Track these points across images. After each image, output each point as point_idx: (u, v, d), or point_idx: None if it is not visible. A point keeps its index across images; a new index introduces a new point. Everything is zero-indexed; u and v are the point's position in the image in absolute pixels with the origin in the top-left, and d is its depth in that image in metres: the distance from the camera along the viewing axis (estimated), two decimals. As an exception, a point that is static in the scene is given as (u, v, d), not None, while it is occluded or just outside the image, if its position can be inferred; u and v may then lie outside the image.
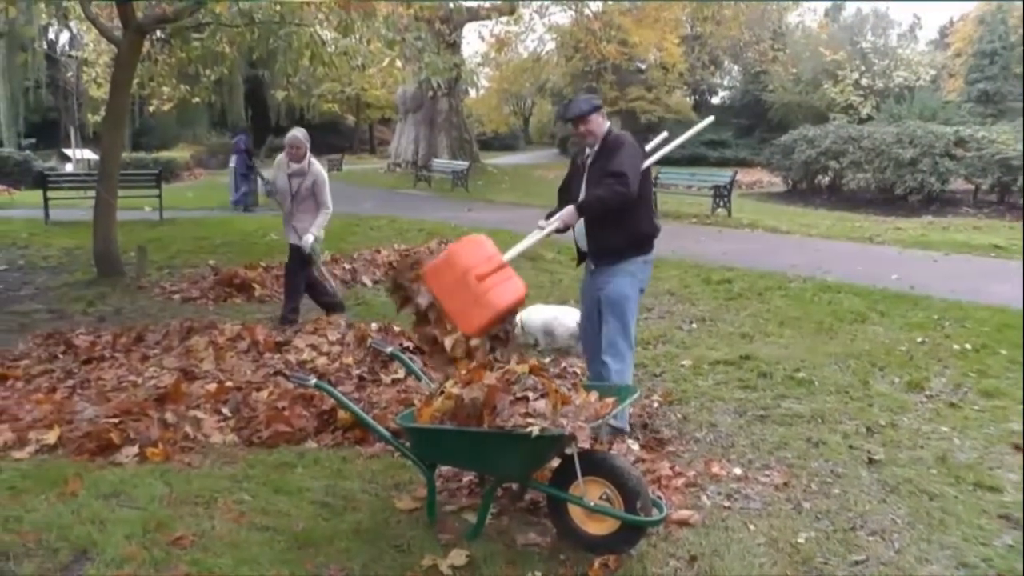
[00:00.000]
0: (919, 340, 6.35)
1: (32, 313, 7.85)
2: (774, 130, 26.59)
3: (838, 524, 3.48)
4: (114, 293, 8.68)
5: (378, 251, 10.95)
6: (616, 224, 4.34)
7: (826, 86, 34.85)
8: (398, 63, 9.67)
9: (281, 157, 6.87)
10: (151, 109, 25.75)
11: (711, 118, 5.12)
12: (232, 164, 17.67)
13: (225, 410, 4.85)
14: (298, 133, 6.80)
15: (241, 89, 32.25)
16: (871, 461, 4.13)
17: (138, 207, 15.82)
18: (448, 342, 3.74)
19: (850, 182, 17.91)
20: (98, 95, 21.33)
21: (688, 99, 41.29)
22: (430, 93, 28.47)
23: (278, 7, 8.01)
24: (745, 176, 26.11)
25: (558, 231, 4.34)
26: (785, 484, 3.89)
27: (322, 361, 5.80)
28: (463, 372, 3.31)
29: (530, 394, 3.01)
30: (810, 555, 3.22)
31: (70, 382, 5.45)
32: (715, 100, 49.50)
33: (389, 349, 4.10)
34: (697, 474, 3.99)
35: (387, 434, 3.50)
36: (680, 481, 3.88)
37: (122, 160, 27.04)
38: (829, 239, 12.32)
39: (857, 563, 3.17)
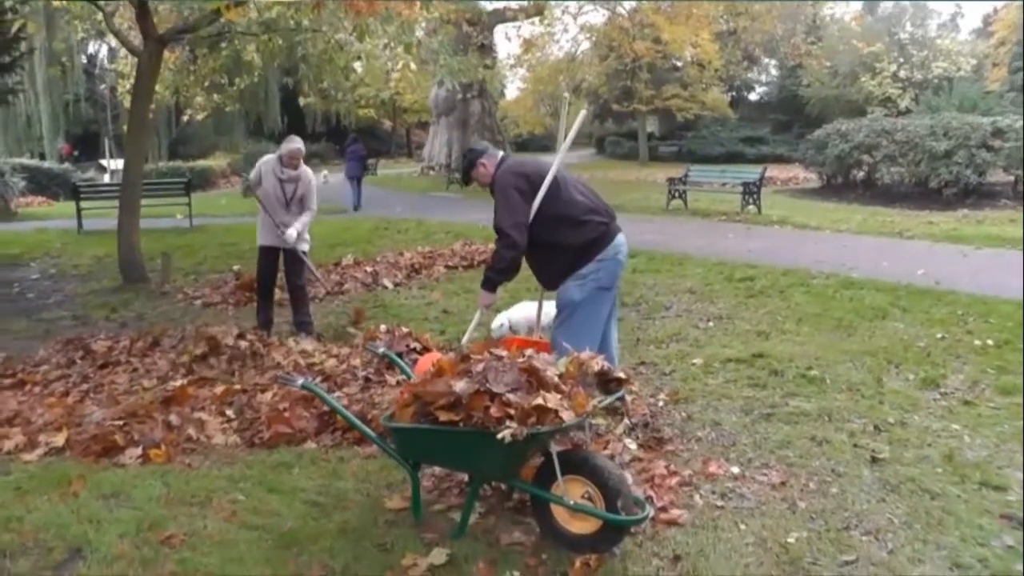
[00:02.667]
0: (939, 336, 6.19)
1: (58, 320, 8.03)
2: (811, 125, 26.12)
3: (832, 524, 3.40)
4: (138, 299, 8.84)
5: (401, 254, 11.02)
6: (543, 257, 4.46)
7: (863, 79, 34.24)
8: (412, 66, 9.72)
9: (270, 159, 6.87)
10: (185, 119, 26.27)
11: (582, 112, 5.09)
12: (349, 171, 19.08)
13: (229, 412, 4.91)
14: (299, 144, 6.87)
15: (276, 97, 32.72)
16: (874, 460, 4.03)
17: (170, 215, 16.13)
18: None
19: (884, 176, 17.53)
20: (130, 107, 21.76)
21: (725, 96, 40.79)
22: (459, 96, 28.64)
23: (292, 14, 8.09)
24: (781, 172, 25.79)
25: (490, 305, 4.73)
26: (782, 483, 3.81)
27: (331, 363, 5.84)
28: (430, 366, 3.30)
29: (505, 389, 2.98)
30: (799, 555, 3.15)
31: (84, 386, 5.56)
32: (752, 96, 48.94)
33: (381, 350, 4.11)
34: (693, 473, 3.93)
35: (372, 434, 3.51)
36: (674, 480, 3.82)
37: (158, 169, 27.74)
38: (859, 235, 12.08)
39: (847, 563, 3.09)
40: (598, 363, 3.31)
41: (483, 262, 9.74)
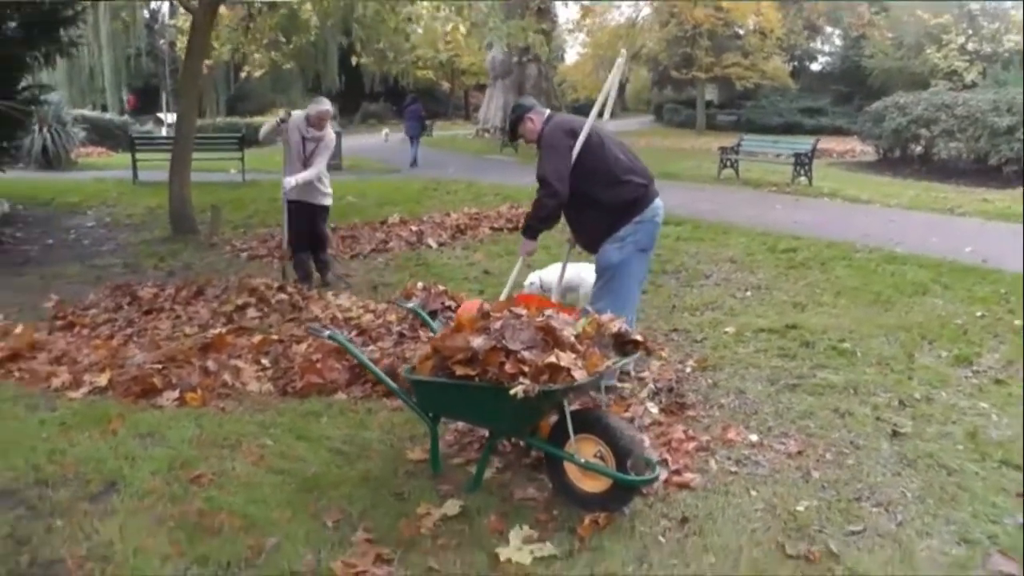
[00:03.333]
0: (979, 314, 6.08)
1: (109, 267, 8.31)
2: (873, 97, 25.35)
3: (843, 494, 3.42)
4: (186, 250, 9.09)
5: (448, 214, 11.10)
6: (585, 213, 4.46)
7: (929, 51, 33.04)
8: (462, 28, 9.71)
9: (299, 116, 6.96)
10: (243, 75, 26.58)
11: (620, 60, 4.87)
12: (408, 130, 20.62)
13: (265, 361, 5.07)
14: (327, 106, 6.99)
15: (335, 56, 32.78)
16: (895, 434, 4.02)
17: (224, 169, 16.43)
18: None
19: (942, 151, 17.02)
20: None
21: (785, 65, 39.75)
22: (515, 59, 28.46)
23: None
24: (838, 145, 25.21)
25: (530, 254, 4.84)
26: (799, 453, 3.83)
27: (368, 318, 5.96)
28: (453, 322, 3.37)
29: (520, 347, 3.04)
30: (806, 523, 3.17)
31: (129, 330, 5.78)
32: (814, 66, 47.66)
33: (409, 305, 4.20)
34: (711, 439, 3.96)
35: (395, 386, 3.61)
36: (691, 445, 3.86)
37: (215, 124, 28.16)
38: (910, 210, 11.82)
39: (853, 533, 3.11)
40: (616, 325, 3.35)
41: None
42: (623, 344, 3.34)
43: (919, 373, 4.92)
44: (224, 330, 5.56)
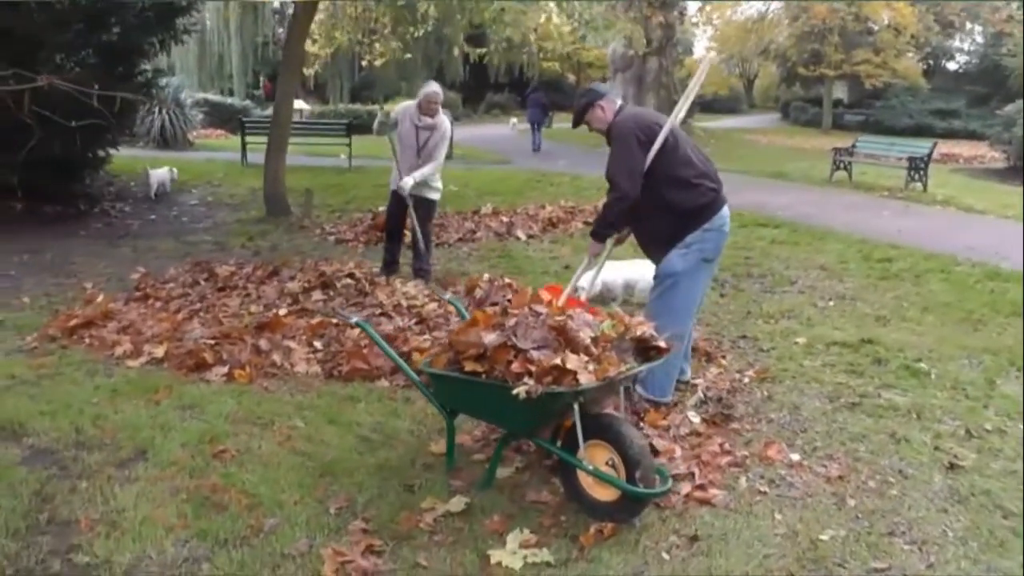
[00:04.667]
0: (1081, 343, 5.56)
1: (199, 243, 8.66)
2: (1012, 100, 23.73)
3: (876, 527, 3.16)
4: (276, 231, 9.36)
5: (543, 207, 11.01)
6: (652, 218, 4.21)
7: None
8: (555, 19, 9.60)
9: (410, 105, 6.78)
10: (365, 64, 27.28)
11: (708, 56, 4.67)
12: (530, 116, 22.20)
13: (318, 343, 5.14)
14: (435, 88, 6.72)
15: (460, 47, 33.22)
16: (952, 466, 3.69)
17: (335, 154, 16.89)
18: None
19: (1079, 163, 15.77)
20: (312, 50, 22.89)
21: (918, 64, 37.66)
22: (630, 52, 28.09)
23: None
24: (968, 150, 23.74)
25: (597, 256, 4.53)
26: (840, 477, 3.57)
27: (431, 307, 5.94)
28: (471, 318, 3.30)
29: (530, 346, 2.94)
30: (827, 554, 2.95)
31: (198, 305, 5.98)
32: (951, 65, 45.06)
33: (447, 296, 4.15)
34: (748, 455, 3.75)
35: (416, 378, 3.57)
36: (725, 460, 3.67)
37: (336, 110, 28.96)
38: (1025, 222, 10.96)
39: (876, 571, 2.87)
40: (642, 329, 3.20)
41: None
42: (646, 349, 3.19)
43: (996, 402, 4.52)
44: (285, 311, 5.67)
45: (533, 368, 2.88)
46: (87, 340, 5.25)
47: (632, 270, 6.25)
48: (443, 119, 6.83)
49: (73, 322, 5.45)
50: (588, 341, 3.03)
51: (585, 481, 3.15)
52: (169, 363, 4.84)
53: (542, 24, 9.50)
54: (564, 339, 3.00)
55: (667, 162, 4.14)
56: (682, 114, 4.43)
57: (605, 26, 9.27)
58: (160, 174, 11.63)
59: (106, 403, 4.23)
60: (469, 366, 3.05)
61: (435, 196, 7.06)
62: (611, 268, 6.11)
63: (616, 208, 4.17)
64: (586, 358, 2.95)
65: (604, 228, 4.33)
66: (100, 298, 6.03)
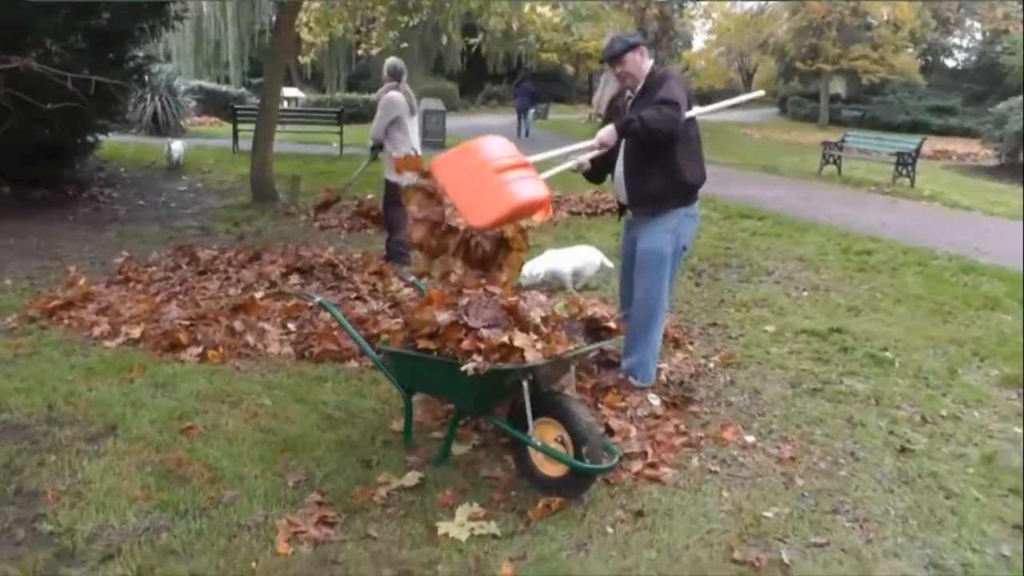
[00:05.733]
0: (1047, 334, 5.64)
1: (185, 228, 8.72)
2: (1008, 97, 23.74)
3: (821, 506, 3.25)
4: (262, 216, 9.42)
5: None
6: (657, 168, 4.10)
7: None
8: (539, 8, 9.64)
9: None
10: (361, 52, 27.27)
11: (760, 92, 4.64)
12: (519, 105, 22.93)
13: (292, 325, 5.21)
14: (390, 61, 6.89)
15: (456, 37, 33.18)
16: (903, 450, 3.78)
17: (327, 142, 16.93)
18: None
19: (1070, 160, 15.84)
20: (307, 38, 22.86)
21: (917, 60, 37.61)
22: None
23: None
24: (961, 147, 23.78)
25: (602, 147, 4.01)
26: (792, 459, 3.65)
27: (407, 291, 6.00)
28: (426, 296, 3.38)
29: (480, 324, 3.02)
30: (769, 530, 3.03)
31: (178, 288, 6.05)
32: (949, 62, 45.02)
33: (411, 279, 4.23)
34: (704, 437, 3.84)
35: (375, 356, 3.65)
36: (679, 440, 3.75)
37: (332, 99, 28.95)
38: (1013, 220, 11.01)
39: (815, 545, 2.95)
40: (593, 310, 3.28)
41: (608, 211, 9.60)
42: (596, 330, 3.27)
43: (956, 390, 4.61)
44: (263, 293, 5.74)
45: (482, 346, 2.96)
46: (66, 321, 5.32)
47: (578, 257, 6.34)
48: (388, 92, 6.82)
49: (53, 303, 5.52)
50: (538, 321, 3.11)
51: (536, 458, 3.24)
52: (145, 343, 4.91)
53: (527, 13, 9.54)
54: (515, 318, 3.08)
55: (691, 131, 4.12)
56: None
57: (589, 17, 9.28)
58: (179, 147, 13.04)
59: (80, 381, 4.31)
60: (422, 344, 3.13)
61: (394, 178, 6.77)
62: (559, 257, 6.20)
63: (663, 121, 3.77)
64: (535, 337, 3.03)
65: (638, 129, 3.80)
66: (82, 281, 6.10)
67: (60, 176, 10.49)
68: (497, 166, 3.35)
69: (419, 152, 6.81)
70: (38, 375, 4.37)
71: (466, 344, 2.98)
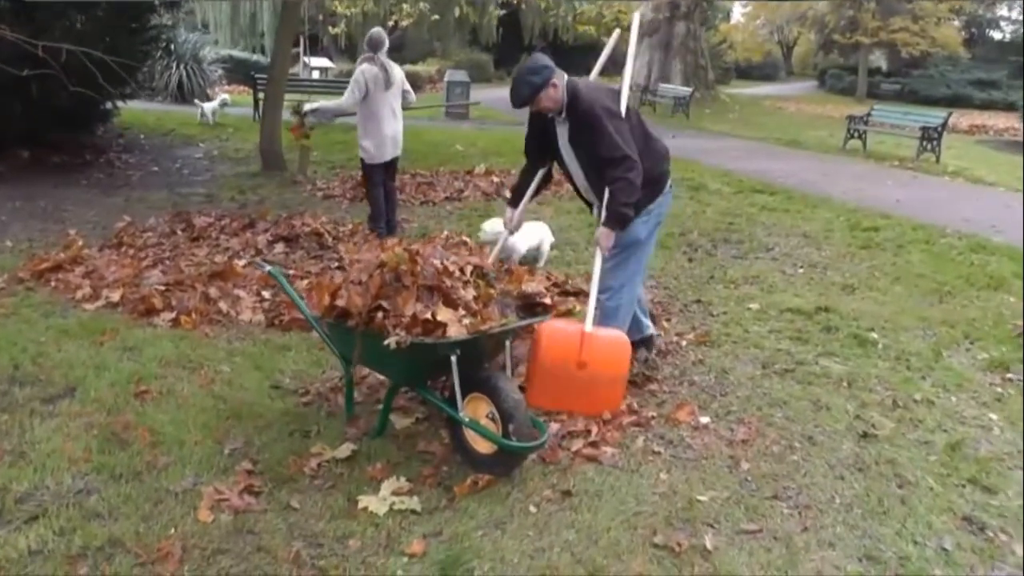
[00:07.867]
0: (1047, 319, 5.43)
1: (191, 195, 8.78)
2: (1056, 70, 22.96)
3: (762, 491, 3.16)
4: (269, 185, 9.44)
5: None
6: None
7: None
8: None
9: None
10: (393, 24, 27.16)
11: (616, 33, 4.44)
12: None
13: (266, 293, 5.22)
14: (372, 31, 6.72)
15: (493, 8, 32.81)
16: (865, 435, 3.66)
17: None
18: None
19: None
20: (340, 9, 22.81)
21: (959, 33, 36.35)
22: (663, 15, 27.60)
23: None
24: (1000, 121, 23.01)
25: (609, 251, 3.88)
26: (743, 442, 3.56)
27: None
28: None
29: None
30: (699, 514, 2.96)
31: (168, 254, 6.09)
32: (996, 35, 43.44)
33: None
34: (655, 416, 3.76)
35: (318, 326, 3.63)
36: (628, 419, 3.68)
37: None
38: (1039, 195, 10.64)
39: (745, 532, 2.87)
40: (529, 286, 3.22)
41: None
42: (531, 306, 3.20)
43: (937, 373, 4.46)
44: (245, 261, 5.76)
45: (404, 320, 2.92)
46: (53, 283, 5.40)
47: (533, 234, 6.14)
48: (359, 63, 6.69)
49: (43, 266, 5.60)
50: (469, 298, 3.05)
51: (468, 434, 3.19)
52: (123, 308, 4.96)
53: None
54: (441, 293, 3.02)
55: (634, 128, 3.95)
56: (594, 74, 4.31)
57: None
58: (211, 105, 14.76)
59: (51, 343, 4.37)
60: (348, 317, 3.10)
61: (362, 155, 6.80)
62: (517, 239, 5.96)
63: (634, 180, 3.67)
64: (463, 312, 2.98)
65: (627, 209, 3.72)
66: (79, 244, 6.17)
67: (79, 142, 10.63)
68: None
69: (397, 127, 6.77)
70: (12, 336, 4.44)
71: (390, 319, 2.95)
